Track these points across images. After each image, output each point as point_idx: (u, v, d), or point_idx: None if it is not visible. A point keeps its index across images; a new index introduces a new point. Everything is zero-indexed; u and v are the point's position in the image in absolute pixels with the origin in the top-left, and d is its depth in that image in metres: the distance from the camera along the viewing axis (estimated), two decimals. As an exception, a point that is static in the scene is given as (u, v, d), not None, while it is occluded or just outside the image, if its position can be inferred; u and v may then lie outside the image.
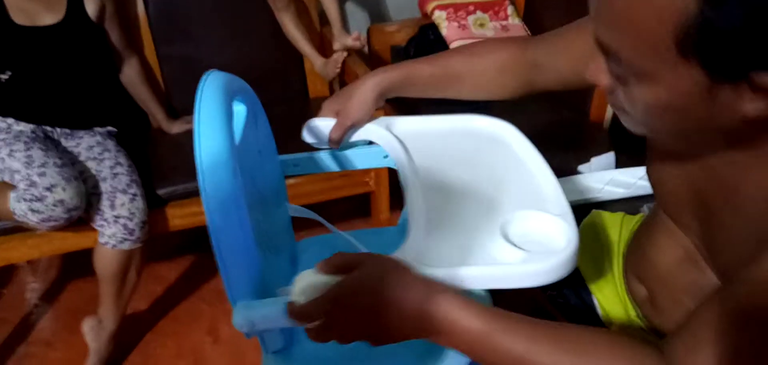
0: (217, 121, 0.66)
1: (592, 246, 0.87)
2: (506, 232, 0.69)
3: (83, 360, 1.50)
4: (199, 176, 0.63)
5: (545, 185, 0.78)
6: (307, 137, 0.93)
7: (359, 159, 0.99)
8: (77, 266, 1.91)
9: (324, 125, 0.90)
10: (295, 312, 0.58)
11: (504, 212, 0.72)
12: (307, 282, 0.61)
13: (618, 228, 0.87)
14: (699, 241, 0.63)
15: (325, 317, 0.57)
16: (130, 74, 1.70)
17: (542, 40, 0.80)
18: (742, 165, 0.52)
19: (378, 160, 0.98)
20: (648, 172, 0.71)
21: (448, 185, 0.80)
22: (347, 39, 1.82)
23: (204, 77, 0.73)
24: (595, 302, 0.84)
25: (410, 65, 0.87)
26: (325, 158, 0.98)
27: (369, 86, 0.85)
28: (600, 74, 0.54)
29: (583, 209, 0.91)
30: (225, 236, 0.63)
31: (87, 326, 1.44)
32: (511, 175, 0.82)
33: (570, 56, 0.75)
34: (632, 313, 0.79)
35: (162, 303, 1.75)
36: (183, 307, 1.73)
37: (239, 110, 0.80)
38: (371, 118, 0.90)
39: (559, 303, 0.89)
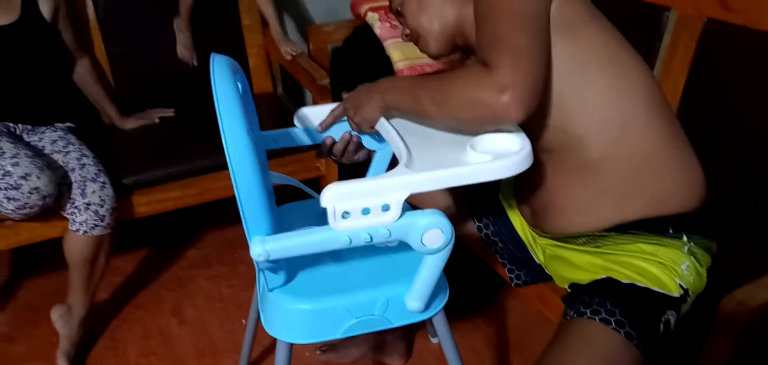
0: (233, 97, 0.81)
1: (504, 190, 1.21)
2: (473, 147, 0.81)
3: (49, 351, 1.54)
4: (223, 137, 0.77)
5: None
6: (298, 123, 1.11)
7: (329, 131, 1.14)
8: (28, 265, 1.93)
9: (313, 112, 1.09)
10: (334, 114, 1.06)
11: (467, 140, 0.84)
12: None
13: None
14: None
15: (346, 104, 1.00)
16: (83, 73, 1.75)
17: None
18: None
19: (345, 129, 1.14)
20: None
21: (419, 131, 0.93)
22: (285, 47, 2.03)
23: (212, 59, 0.87)
24: (514, 227, 1.17)
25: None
26: (299, 133, 1.13)
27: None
28: None
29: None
30: (243, 181, 0.78)
31: (56, 314, 1.49)
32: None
33: None
34: (527, 228, 1.14)
35: (123, 293, 1.81)
36: (144, 295, 1.80)
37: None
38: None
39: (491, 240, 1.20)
